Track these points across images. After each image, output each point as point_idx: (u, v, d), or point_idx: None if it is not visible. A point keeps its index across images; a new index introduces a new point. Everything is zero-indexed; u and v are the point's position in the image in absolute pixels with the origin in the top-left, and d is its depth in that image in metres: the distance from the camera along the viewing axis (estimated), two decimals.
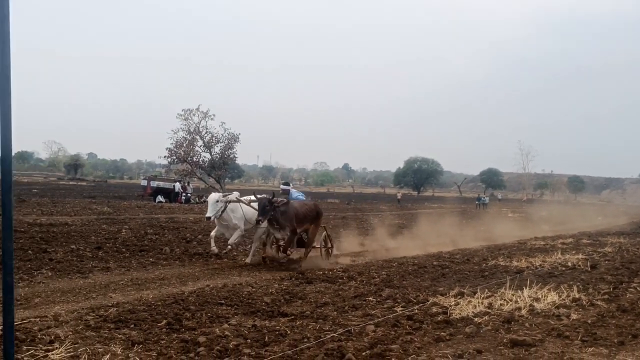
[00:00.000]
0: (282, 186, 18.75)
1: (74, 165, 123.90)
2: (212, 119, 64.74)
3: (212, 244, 16.54)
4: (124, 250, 16.83)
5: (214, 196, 16.30)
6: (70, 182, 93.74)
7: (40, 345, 7.30)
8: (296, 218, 15.90)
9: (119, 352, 7.17)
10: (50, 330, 8.01)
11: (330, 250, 18.12)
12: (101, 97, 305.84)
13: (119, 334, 7.99)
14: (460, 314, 10.03)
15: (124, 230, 22.97)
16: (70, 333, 7.86)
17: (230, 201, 16.19)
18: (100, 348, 7.26)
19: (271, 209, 15.03)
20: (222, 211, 15.96)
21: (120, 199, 53.38)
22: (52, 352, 7.07)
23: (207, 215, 16.02)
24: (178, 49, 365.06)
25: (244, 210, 16.42)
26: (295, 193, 18.70)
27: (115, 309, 9.59)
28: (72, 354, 7.03)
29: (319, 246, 17.53)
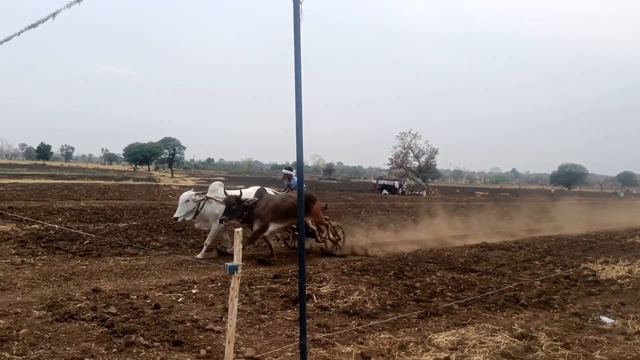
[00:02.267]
0: (284, 170, 12.76)
1: (329, 169, 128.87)
2: (419, 138, 66.05)
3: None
4: (362, 224, 17.17)
5: (184, 195, 10.64)
6: (326, 181, 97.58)
7: (315, 283, 7.67)
8: (274, 213, 10.30)
9: (364, 290, 7.34)
10: (320, 274, 8.39)
11: (339, 243, 12.02)
12: (349, 125, 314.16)
13: (363, 279, 8.17)
14: (606, 276, 9.20)
15: (362, 212, 23.48)
16: (333, 276, 8.17)
17: (202, 200, 10.59)
18: (352, 287, 7.46)
19: (239, 209, 9.84)
20: (197, 212, 10.55)
21: (358, 192, 54.63)
22: (322, 287, 7.40)
23: (175, 215, 10.68)
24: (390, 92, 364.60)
25: (221, 208, 10.31)
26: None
27: (359, 262, 9.82)
28: (334, 289, 7.31)
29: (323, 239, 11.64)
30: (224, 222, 9.84)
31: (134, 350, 4.69)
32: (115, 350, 4.69)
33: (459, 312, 6.66)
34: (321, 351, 4.98)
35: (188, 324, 5.56)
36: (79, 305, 6.08)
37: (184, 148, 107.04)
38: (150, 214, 16.89)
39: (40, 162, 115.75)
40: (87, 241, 10.82)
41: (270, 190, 11.33)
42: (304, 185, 11.82)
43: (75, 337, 5.01)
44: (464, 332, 5.64)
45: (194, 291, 7.08)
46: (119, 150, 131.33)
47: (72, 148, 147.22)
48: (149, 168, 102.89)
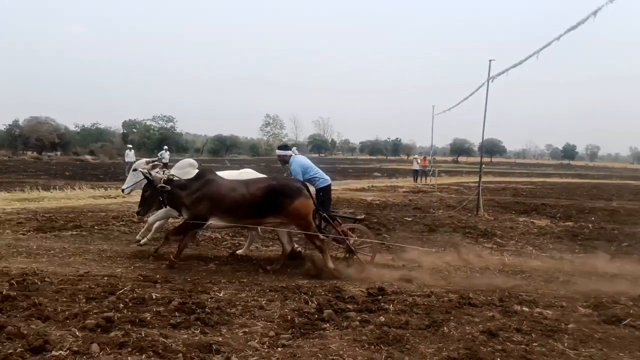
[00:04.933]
0: (277, 151, 7.97)
1: None
2: None
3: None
4: None
5: (135, 163, 8.28)
6: None
7: None
8: (213, 204, 6.76)
9: None
10: None
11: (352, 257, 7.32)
12: None
13: None
14: None
15: None
16: None
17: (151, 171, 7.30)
18: None
19: (154, 196, 7.00)
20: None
21: None
22: None
23: (122, 187, 8.32)
24: None
25: None
26: (299, 161, 7.70)
27: None
28: None
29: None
30: (139, 215, 7.62)
31: None
32: None
33: None
34: None
35: None
36: (626, 310, 5.66)
37: None
38: None
39: (565, 161, 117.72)
40: (625, 243, 10.13)
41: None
42: (292, 177, 7.77)
43: (627, 344, 4.63)
44: None
45: None
46: None
47: (597, 147, 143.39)
48: None
